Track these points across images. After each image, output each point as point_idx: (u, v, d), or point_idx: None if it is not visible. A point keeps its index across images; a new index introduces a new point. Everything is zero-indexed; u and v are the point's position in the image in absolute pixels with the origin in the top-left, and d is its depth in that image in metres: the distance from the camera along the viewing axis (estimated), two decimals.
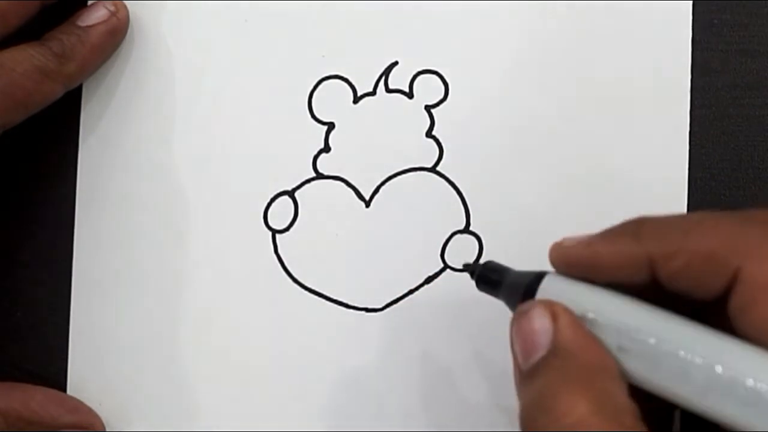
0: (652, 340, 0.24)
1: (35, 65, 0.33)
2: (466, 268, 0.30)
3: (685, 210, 0.35)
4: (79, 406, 0.35)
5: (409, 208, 0.35)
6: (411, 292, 0.35)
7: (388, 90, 0.36)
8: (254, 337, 0.36)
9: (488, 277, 0.29)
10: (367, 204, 0.36)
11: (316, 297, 0.35)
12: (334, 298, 0.35)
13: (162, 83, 0.36)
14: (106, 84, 0.36)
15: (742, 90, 0.35)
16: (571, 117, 0.35)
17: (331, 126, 0.36)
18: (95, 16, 0.34)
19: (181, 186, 0.36)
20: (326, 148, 0.36)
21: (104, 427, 0.35)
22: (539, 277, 0.27)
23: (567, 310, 0.26)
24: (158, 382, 0.36)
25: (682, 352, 0.24)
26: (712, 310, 0.25)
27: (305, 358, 0.35)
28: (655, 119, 0.35)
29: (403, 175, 0.36)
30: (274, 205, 0.36)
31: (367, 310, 0.35)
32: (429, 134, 0.35)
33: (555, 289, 0.27)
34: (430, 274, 0.35)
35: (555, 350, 0.25)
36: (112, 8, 0.35)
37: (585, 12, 0.35)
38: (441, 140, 0.35)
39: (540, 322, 0.26)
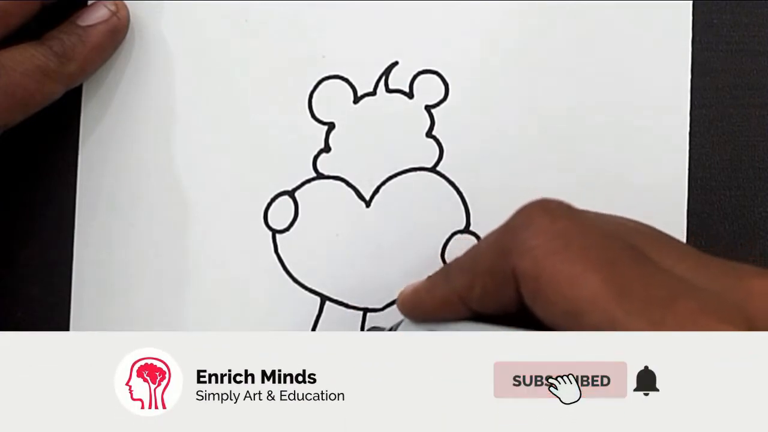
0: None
1: (36, 65, 0.33)
2: None
3: (685, 211, 0.35)
4: None
5: (409, 208, 0.35)
6: None
7: (388, 90, 0.36)
8: None
9: None
10: (367, 204, 0.36)
11: (316, 297, 0.35)
12: (334, 298, 0.35)
13: (162, 83, 0.36)
14: (106, 84, 0.36)
15: (742, 90, 0.35)
16: (571, 117, 0.35)
17: (331, 126, 0.36)
18: (96, 15, 0.35)
19: (181, 186, 0.36)
20: (326, 148, 0.36)
21: None
22: (397, 325, 0.30)
23: None
24: None
25: None
26: None
27: None
28: (655, 119, 0.35)
29: (403, 175, 0.36)
30: (274, 205, 0.36)
31: (367, 310, 0.35)
32: (429, 134, 0.35)
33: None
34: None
35: None
36: (113, 8, 0.35)
37: (585, 12, 0.35)
38: (441, 140, 0.35)
39: None
